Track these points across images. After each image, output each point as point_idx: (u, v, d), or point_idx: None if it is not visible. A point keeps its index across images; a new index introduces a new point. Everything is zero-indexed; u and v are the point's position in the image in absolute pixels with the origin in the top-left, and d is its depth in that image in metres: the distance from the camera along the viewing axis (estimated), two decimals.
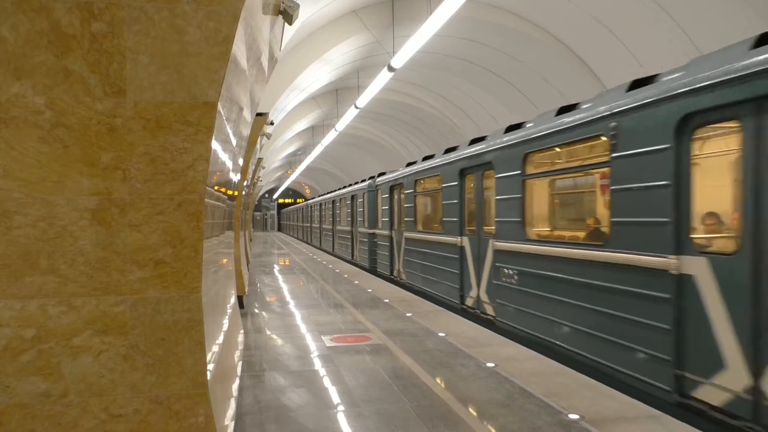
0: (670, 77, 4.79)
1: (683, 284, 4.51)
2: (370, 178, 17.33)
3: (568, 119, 6.25)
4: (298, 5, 3.59)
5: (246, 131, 5.34)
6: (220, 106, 2.39)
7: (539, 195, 7.54)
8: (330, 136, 21.31)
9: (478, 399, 4.45)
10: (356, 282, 12.49)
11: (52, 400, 2.20)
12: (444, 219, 10.30)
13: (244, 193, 9.92)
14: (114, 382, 2.26)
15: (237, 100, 3.30)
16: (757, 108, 3.94)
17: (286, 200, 67.25)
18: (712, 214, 4.61)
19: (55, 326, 2.19)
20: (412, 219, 12.34)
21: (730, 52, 4.36)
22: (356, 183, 20.62)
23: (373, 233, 16.44)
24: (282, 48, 6.36)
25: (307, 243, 35.76)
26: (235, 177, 5.08)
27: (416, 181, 12.12)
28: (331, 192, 27.67)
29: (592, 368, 5.73)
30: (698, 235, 4.56)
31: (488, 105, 18.67)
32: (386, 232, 14.79)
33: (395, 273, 13.96)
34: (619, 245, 5.26)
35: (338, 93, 21.54)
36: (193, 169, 2.30)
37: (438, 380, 4.97)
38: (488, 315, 8.41)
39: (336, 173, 46.95)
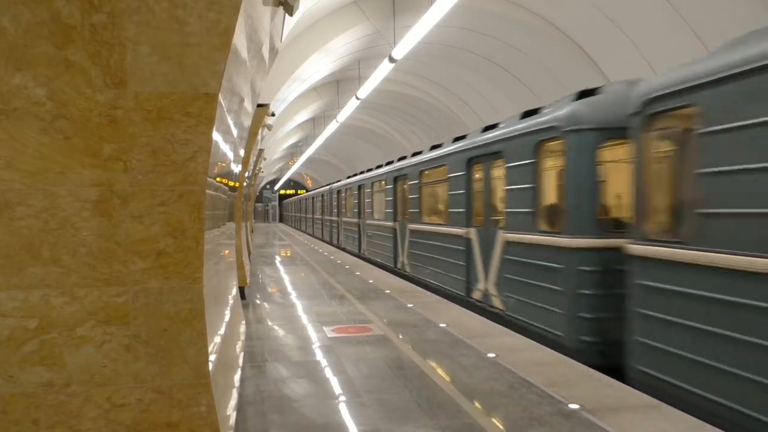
0: (466, 140, 9.20)
1: (468, 242, 8.95)
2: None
3: (432, 154, 11.03)
4: None
5: (247, 122, 5.34)
6: (221, 98, 2.39)
7: (429, 196, 11.90)
8: (331, 127, 21.29)
9: (479, 389, 4.47)
10: (357, 273, 12.52)
11: (55, 389, 2.22)
12: (386, 211, 14.76)
13: (245, 184, 9.93)
14: (117, 372, 2.27)
15: (238, 91, 3.30)
16: (485, 159, 8.39)
17: (288, 191, 67.21)
18: (478, 207, 8.84)
19: (57, 316, 2.21)
20: (370, 210, 17.21)
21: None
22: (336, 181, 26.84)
23: (350, 221, 21.58)
24: (283, 39, 6.34)
25: (302, 231, 40.27)
26: (236, 168, 5.09)
27: (359, 186, 18.24)
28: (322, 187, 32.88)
29: (435, 290, 10.28)
30: (474, 218, 8.93)
31: (490, 95, 18.62)
32: (355, 220, 19.51)
33: (361, 251, 18.41)
34: (451, 224, 9.72)
35: (339, 84, 21.48)
36: (195, 160, 2.31)
37: (439, 370, 5.00)
38: (407, 272, 12.77)
39: (338, 164, 46.92)
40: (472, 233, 8.96)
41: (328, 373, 5.04)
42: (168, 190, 2.29)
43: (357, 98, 15.49)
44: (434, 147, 11.55)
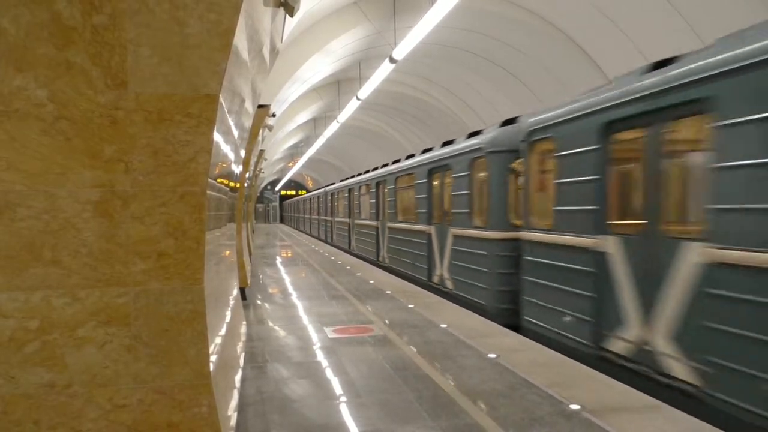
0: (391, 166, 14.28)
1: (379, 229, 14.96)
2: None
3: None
4: None
5: (248, 123, 5.34)
6: (221, 98, 2.39)
7: (365, 200, 17.19)
8: (332, 128, 21.29)
9: (479, 389, 4.47)
10: (358, 273, 12.53)
11: (56, 390, 2.22)
12: (343, 211, 20.89)
13: (246, 185, 9.93)
14: (118, 373, 2.28)
15: (239, 92, 3.30)
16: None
17: (288, 192, 67.19)
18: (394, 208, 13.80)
19: (59, 317, 2.21)
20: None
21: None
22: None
23: (323, 218, 28.35)
24: (283, 39, 6.34)
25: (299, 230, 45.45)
26: (236, 169, 5.08)
27: (332, 193, 24.35)
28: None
29: (361, 258, 16.05)
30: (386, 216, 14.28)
31: (491, 96, 18.61)
32: (326, 218, 25.74)
33: (331, 240, 24.22)
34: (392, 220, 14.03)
35: (340, 84, 21.47)
36: (195, 161, 2.31)
37: (440, 371, 5.00)
38: (354, 252, 18.59)
39: (339, 165, 46.90)
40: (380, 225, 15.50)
41: (329, 373, 5.04)
42: (169, 191, 2.29)
43: (357, 99, 15.49)
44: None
